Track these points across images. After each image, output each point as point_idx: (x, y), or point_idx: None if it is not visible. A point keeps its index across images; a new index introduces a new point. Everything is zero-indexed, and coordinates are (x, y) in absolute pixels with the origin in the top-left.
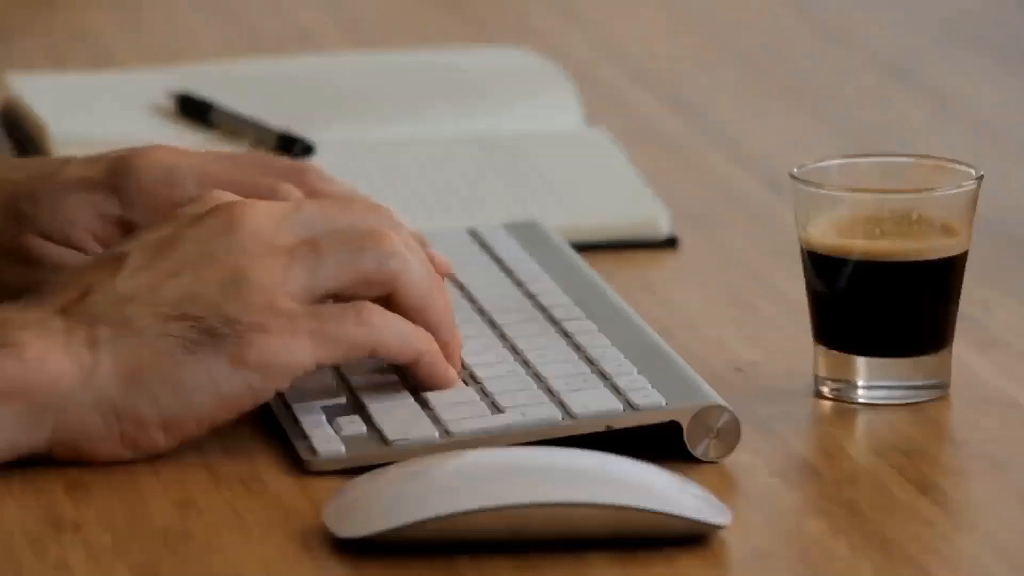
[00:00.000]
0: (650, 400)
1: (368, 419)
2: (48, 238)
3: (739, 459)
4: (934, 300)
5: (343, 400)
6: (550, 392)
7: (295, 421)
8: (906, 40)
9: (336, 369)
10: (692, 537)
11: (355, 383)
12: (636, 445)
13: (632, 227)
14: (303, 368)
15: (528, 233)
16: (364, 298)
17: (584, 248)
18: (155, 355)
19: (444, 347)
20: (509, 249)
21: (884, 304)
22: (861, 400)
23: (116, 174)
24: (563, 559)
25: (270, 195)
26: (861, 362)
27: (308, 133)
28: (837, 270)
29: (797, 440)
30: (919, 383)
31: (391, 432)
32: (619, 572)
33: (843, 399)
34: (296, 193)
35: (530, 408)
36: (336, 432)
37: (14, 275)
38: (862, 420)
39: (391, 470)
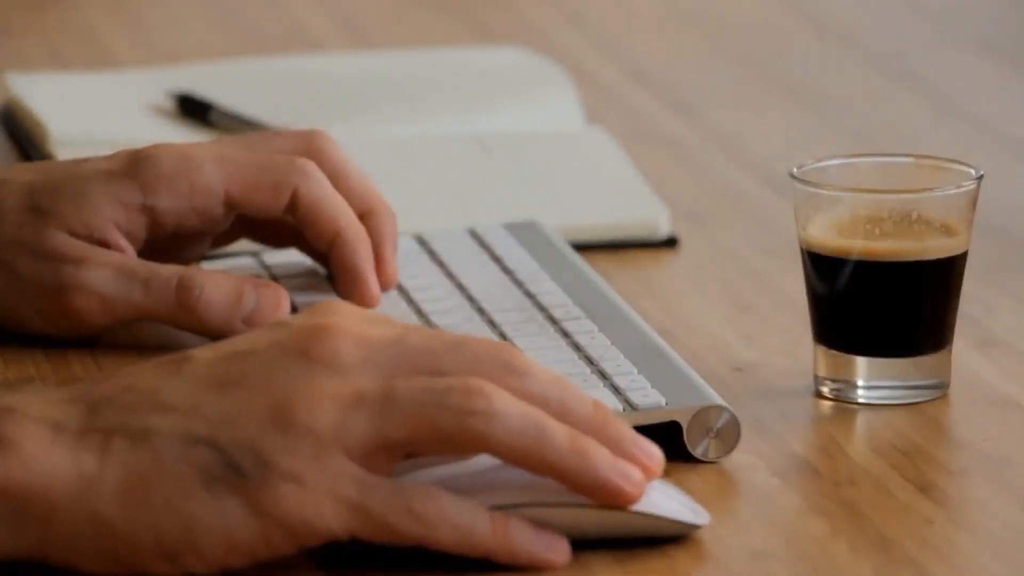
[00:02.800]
0: (650, 400)
1: None
2: (71, 232)
3: (739, 459)
4: (934, 300)
5: None
6: None
7: None
8: (906, 39)
9: None
10: (674, 537)
11: None
12: None
13: (632, 227)
14: (332, 536)
15: (528, 233)
16: (445, 452)
17: (584, 248)
18: (166, 481)
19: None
20: (509, 249)
21: (884, 304)
22: (861, 400)
23: (135, 164)
24: None
25: (289, 171)
26: (861, 362)
27: None
28: (837, 270)
29: (797, 440)
30: (919, 383)
31: None
32: (619, 572)
33: (843, 399)
34: (311, 168)
35: None
36: None
37: (34, 271)
38: (862, 420)
39: None
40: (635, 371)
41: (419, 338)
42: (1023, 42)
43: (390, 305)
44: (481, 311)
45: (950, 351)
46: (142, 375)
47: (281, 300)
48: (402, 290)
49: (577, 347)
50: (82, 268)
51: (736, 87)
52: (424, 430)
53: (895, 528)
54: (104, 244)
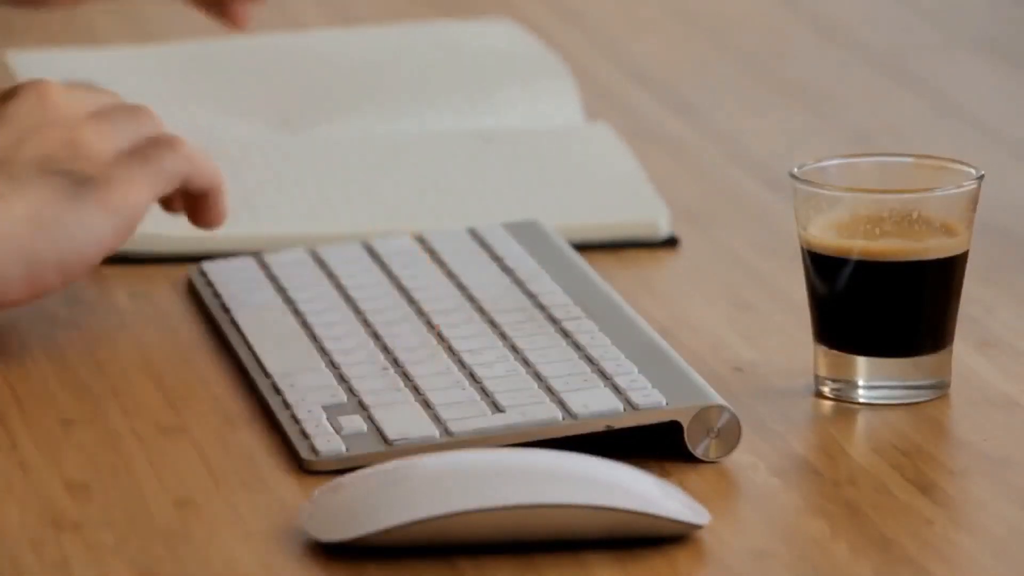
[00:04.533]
0: (650, 400)
1: (369, 418)
2: None
3: (739, 459)
4: (934, 300)
5: (343, 399)
6: (550, 392)
7: (295, 421)
8: (906, 39)
9: (336, 368)
10: (674, 537)
11: (355, 383)
12: (636, 445)
13: (632, 227)
14: (147, 206)
15: (528, 233)
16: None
17: (584, 248)
18: (49, 200)
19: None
20: (509, 249)
21: (884, 304)
22: (861, 400)
23: None
24: (563, 559)
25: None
26: (861, 362)
27: (306, 128)
28: (837, 270)
29: (797, 440)
30: (919, 383)
31: (391, 431)
32: (619, 572)
33: (843, 399)
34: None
35: (530, 408)
36: (336, 431)
37: None
38: (862, 420)
39: (369, 473)
40: (635, 371)
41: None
42: (1023, 42)
43: (391, 305)
44: (481, 311)
45: (951, 351)
46: None
47: None
48: (402, 290)
49: (577, 347)
50: None
51: (736, 87)
52: (151, 125)
53: (895, 528)
54: None
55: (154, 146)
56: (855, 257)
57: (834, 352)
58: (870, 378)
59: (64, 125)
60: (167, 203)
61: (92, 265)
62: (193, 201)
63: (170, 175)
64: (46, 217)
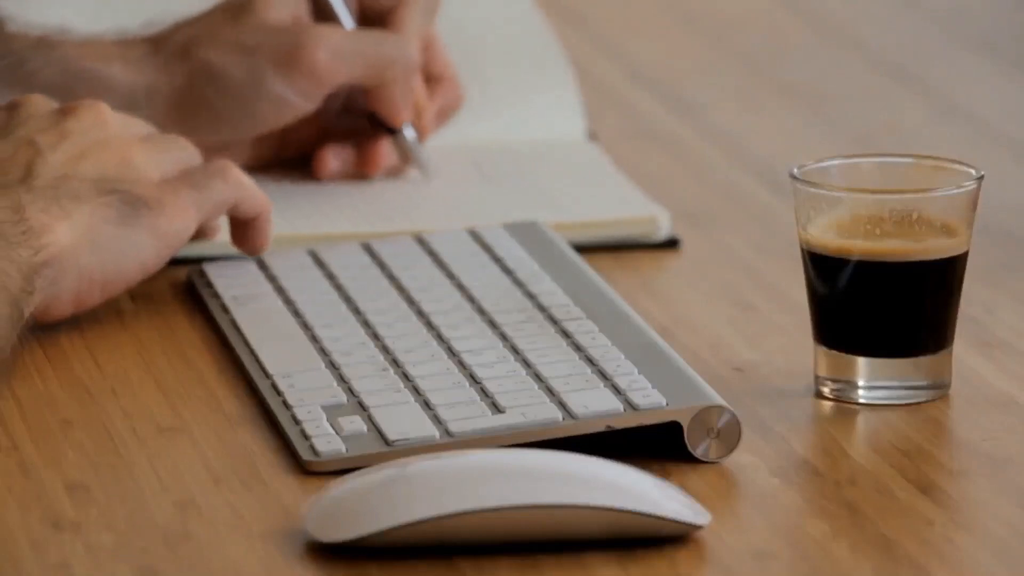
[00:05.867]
0: (650, 400)
1: (369, 419)
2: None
3: (739, 459)
4: (934, 300)
5: (343, 400)
6: (550, 392)
7: (295, 421)
8: (906, 40)
9: (336, 369)
10: (674, 537)
11: (355, 383)
12: (636, 445)
13: (632, 228)
14: (191, 232)
15: (528, 233)
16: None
17: (584, 248)
18: (105, 220)
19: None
20: (509, 249)
21: (885, 304)
22: (862, 400)
23: None
24: (563, 559)
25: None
26: (862, 362)
27: None
28: (837, 270)
29: (797, 440)
30: (920, 383)
31: (392, 432)
32: (619, 572)
33: (843, 399)
34: None
35: (530, 408)
36: (337, 432)
37: (269, 40)
38: (862, 420)
39: (369, 473)
40: (636, 371)
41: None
42: (1023, 42)
43: (391, 305)
44: (481, 311)
45: (951, 351)
46: (21, 158)
47: None
48: (402, 290)
49: (578, 347)
50: (314, 29)
51: (736, 87)
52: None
53: (895, 528)
54: None
55: (205, 173)
56: (855, 257)
57: (834, 352)
58: (870, 378)
59: (119, 146)
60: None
61: (131, 285)
62: (241, 226)
63: (219, 202)
64: (101, 237)
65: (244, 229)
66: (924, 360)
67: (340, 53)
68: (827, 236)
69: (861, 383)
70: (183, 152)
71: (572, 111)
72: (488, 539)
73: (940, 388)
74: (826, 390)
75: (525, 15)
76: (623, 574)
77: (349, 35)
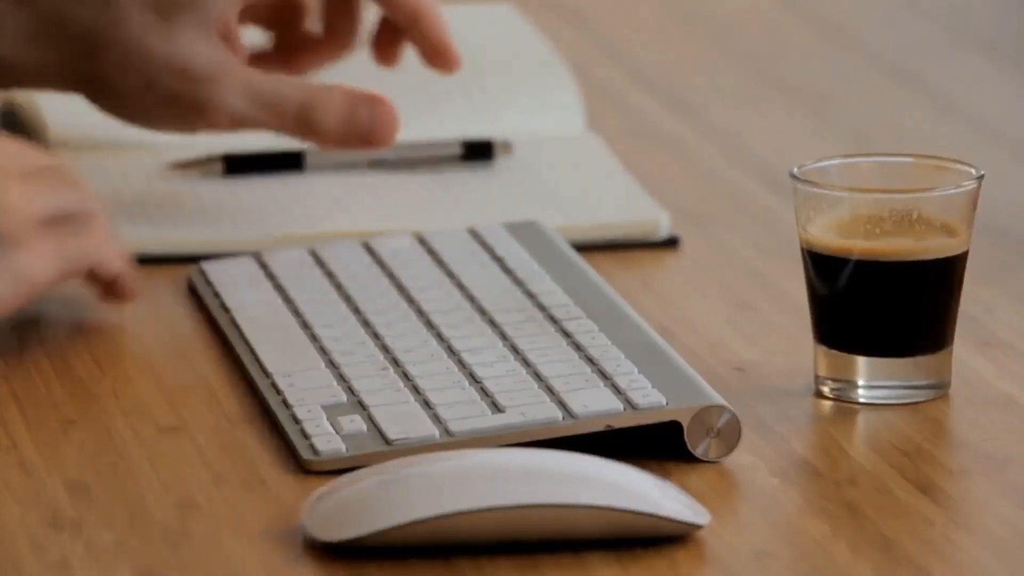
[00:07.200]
0: (650, 400)
1: (369, 418)
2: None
3: (739, 459)
4: (934, 300)
5: (343, 399)
6: (550, 392)
7: (295, 421)
8: (906, 40)
9: (336, 368)
10: (674, 537)
11: (355, 382)
12: (636, 445)
13: (632, 227)
14: (52, 280)
15: (528, 233)
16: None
17: (584, 248)
18: None
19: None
20: (509, 249)
21: (884, 304)
22: (862, 400)
23: None
24: (563, 559)
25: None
26: (862, 362)
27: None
28: (837, 270)
29: (797, 440)
30: (919, 383)
31: (392, 431)
32: (619, 572)
33: (843, 399)
34: None
35: (530, 408)
36: (337, 431)
37: (170, 88)
38: (862, 420)
39: (369, 473)
40: (636, 371)
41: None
42: (1023, 42)
43: (391, 305)
44: (481, 311)
45: (951, 351)
46: None
47: (394, 117)
48: (402, 290)
49: (578, 347)
50: (217, 89)
51: (736, 87)
52: (76, 198)
53: (895, 528)
54: (226, 37)
55: (69, 228)
56: (855, 257)
57: (834, 352)
58: (870, 378)
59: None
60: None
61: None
62: (104, 281)
63: (76, 261)
64: None
65: (107, 284)
66: (924, 360)
67: (249, 106)
68: (827, 236)
69: (861, 382)
70: (69, 194)
71: (572, 111)
72: (487, 539)
73: (940, 388)
74: (826, 389)
75: (519, 30)
76: (623, 574)
77: (261, 85)
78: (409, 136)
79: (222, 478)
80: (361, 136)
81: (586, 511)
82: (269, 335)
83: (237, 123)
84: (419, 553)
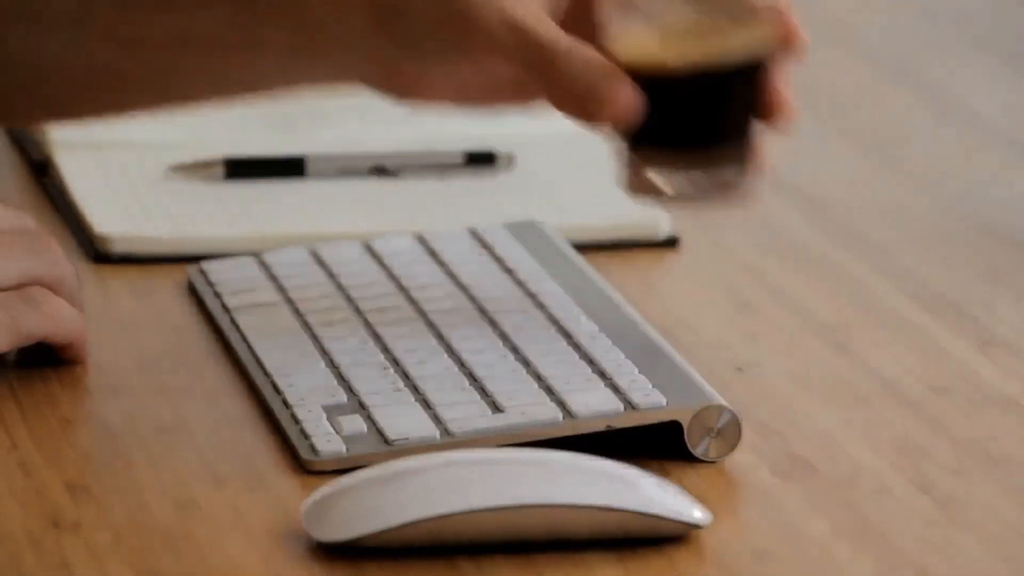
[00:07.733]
0: (651, 400)
1: (369, 418)
2: None
3: (739, 459)
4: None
5: (343, 399)
6: (550, 392)
7: (295, 421)
8: (906, 39)
9: (336, 368)
10: (674, 537)
11: (355, 382)
12: (636, 445)
13: (632, 227)
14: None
15: (528, 233)
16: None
17: (584, 248)
18: None
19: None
20: (509, 249)
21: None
22: (669, 195)
23: None
24: (564, 559)
25: None
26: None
27: (302, 138)
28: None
29: (797, 440)
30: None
31: (392, 432)
32: (619, 572)
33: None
34: None
35: (530, 408)
36: (337, 431)
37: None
38: (862, 420)
39: (369, 473)
40: (636, 371)
41: None
42: (1023, 42)
43: (391, 305)
44: (482, 311)
45: (753, 156)
46: None
47: (630, 100)
48: (402, 290)
49: (578, 347)
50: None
51: None
52: (28, 268)
53: (895, 528)
54: None
55: (20, 300)
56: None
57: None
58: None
59: None
60: None
61: None
62: (58, 348)
63: (26, 333)
64: None
65: (59, 348)
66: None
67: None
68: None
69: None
70: (35, 260)
71: None
72: (488, 539)
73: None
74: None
75: None
76: (623, 574)
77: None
78: (410, 138)
79: (222, 478)
80: (586, 108)
81: (586, 511)
82: (269, 335)
83: (494, 48)
84: (419, 553)
